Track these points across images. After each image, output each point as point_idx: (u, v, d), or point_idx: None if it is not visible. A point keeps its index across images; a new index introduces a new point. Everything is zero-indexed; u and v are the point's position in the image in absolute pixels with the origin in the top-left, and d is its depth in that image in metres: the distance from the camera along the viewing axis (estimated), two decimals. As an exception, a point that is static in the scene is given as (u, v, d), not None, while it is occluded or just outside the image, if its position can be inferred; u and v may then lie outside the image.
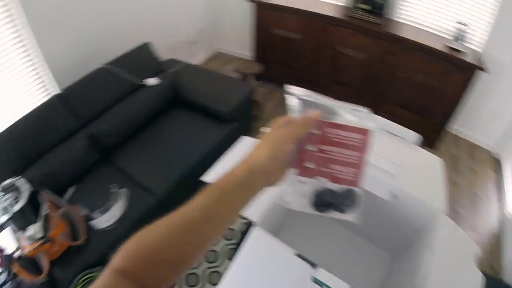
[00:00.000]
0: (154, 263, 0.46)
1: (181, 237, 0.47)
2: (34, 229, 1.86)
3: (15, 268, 1.80)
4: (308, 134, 0.52)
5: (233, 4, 3.88)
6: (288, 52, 3.39)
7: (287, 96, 0.55)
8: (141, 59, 2.83)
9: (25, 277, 1.81)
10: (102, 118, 2.58)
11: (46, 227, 1.91)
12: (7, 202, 1.87)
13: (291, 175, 0.55)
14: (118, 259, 0.47)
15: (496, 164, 3.09)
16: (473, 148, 3.24)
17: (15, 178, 2.02)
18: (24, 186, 1.97)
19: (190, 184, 2.65)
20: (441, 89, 2.77)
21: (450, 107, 2.79)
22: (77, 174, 2.45)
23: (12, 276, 1.78)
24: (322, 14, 2.98)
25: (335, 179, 0.55)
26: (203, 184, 1.57)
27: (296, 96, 0.55)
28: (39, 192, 2.04)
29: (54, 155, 2.36)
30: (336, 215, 0.56)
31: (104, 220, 2.12)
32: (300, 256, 0.99)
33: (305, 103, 0.54)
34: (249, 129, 3.20)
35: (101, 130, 2.53)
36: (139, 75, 2.76)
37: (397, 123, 1.47)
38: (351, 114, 0.53)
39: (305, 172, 0.55)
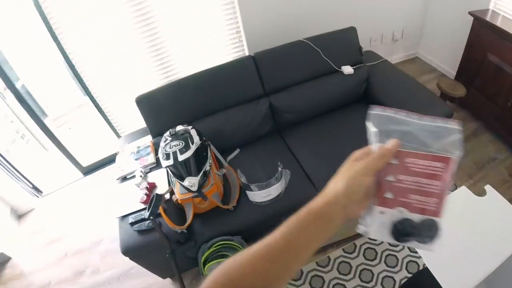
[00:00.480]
0: None
1: (264, 266, 0.48)
2: (191, 182, 1.79)
3: (160, 210, 1.76)
4: (387, 165, 0.52)
5: (450, 12, 3.30)
6: (497, 85, 2.73)
7: (367, 123, 0.54)
8: (344, 43, 2.55)
9: (166, 221, 1.78)
10: (287, 92, 2.43)
11: (202, 183, 1.83)
12: (175, 148, 1.82)
13: (371, 205, 0.54)
14: (206, 283, 0.47)
15: None
16: None
17: (188, 126, 1.98)
18: (196, 137, 1.90)
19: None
20: None
21: None
22: (245, 138, 2.38)
23: (154, 216, 1.73)
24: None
25: (415, 209, 0.52)
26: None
27: (374, 124, 0.54)
28: (207, 147, 1.97)
29: (232, 112, 2.33)
30: (416, 245, 0.53)
31: (260, 195, 1.96)
32: None
33: (384, 133, 0.53)
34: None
35: (283, 104, 2.41)
36: (336, 60, 2.50)
37: None
38: (433, 137, 0.51)
39: (385, 202, 0.54)
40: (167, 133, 1.96)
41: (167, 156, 1.81)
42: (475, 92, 2.93)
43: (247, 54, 2.72)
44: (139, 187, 2.02)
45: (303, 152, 2.29)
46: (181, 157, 1.78)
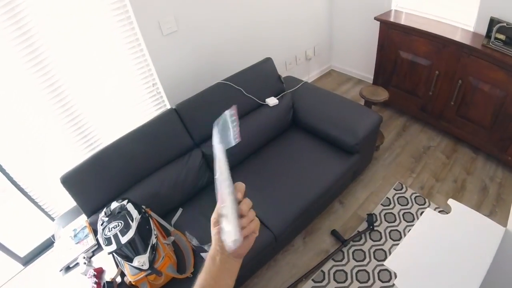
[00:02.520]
0: None
1: None
2: (141, 261, 1.60)
3: None
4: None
5: (354, 20, 3.45)
6: (414, 78, 2.88)
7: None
8: (263, 76, 2.51)
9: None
10: None
11: (153, 258, 1.65)
12: (114, 230, 1.61)
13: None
14: None
15: None
16: None
17: (124, 201, 1.78)
18: (134, 212, 1.70)
19: (305, 219, 2.30)
20: None
21: None
22: (185, 195, 2.21)
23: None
24: (457, 42, 2.43)
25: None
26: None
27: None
28: (148, 219, 1.79)
29: (165, 172, 2.14)
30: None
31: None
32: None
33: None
34: (369, 161, 2.75)
35: None
36: (259, 94, 2.45)
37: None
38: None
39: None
40: (102, 214, 1.73)
41: (109, 241, 1.59)
42: (395, 90, 3.04)
43: (168, 107, 2.57)
44: (85, 275, 1.78)
45: (248, 195, 2.16)
46: (123, 239, 1.57)
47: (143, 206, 1.90)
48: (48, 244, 2.66)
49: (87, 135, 2.34)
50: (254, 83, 2.43)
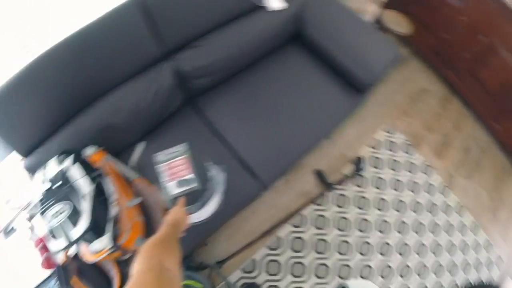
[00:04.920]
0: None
1: (167, 250, 0.78)
2: (100, 245, 1.12)
3: (71, 280, 1.19)
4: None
5: None
6: (438, 16, 2.36)
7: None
8: None
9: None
10: (195, 47, 1.58)
11: (116, 233, 1.16)
12: (60, 218, 1.04)
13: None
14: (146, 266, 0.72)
15: None
16: None
17: (64, 163, 1.15)
18: (84, 183, 1.10)
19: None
20: None
21: None
22: (149, 124, 1.60)
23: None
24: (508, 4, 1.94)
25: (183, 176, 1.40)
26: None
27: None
28: (104, 179, 1.21)
29: (121, 94, 1.44)
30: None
31: (194, 217, 1.39)
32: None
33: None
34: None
35: (194, 66, 1.57)
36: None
37: None
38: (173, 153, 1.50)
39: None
40: (39, 188, 1.12)
41: (54, 234, 1.05)
42: (413, 22, 2.53)
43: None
44: (33, 241, 1.26)
45: (233, 127, 1.66)
46: (75, 233, 1.04)
47: (92, 157, 1.30)
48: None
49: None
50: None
